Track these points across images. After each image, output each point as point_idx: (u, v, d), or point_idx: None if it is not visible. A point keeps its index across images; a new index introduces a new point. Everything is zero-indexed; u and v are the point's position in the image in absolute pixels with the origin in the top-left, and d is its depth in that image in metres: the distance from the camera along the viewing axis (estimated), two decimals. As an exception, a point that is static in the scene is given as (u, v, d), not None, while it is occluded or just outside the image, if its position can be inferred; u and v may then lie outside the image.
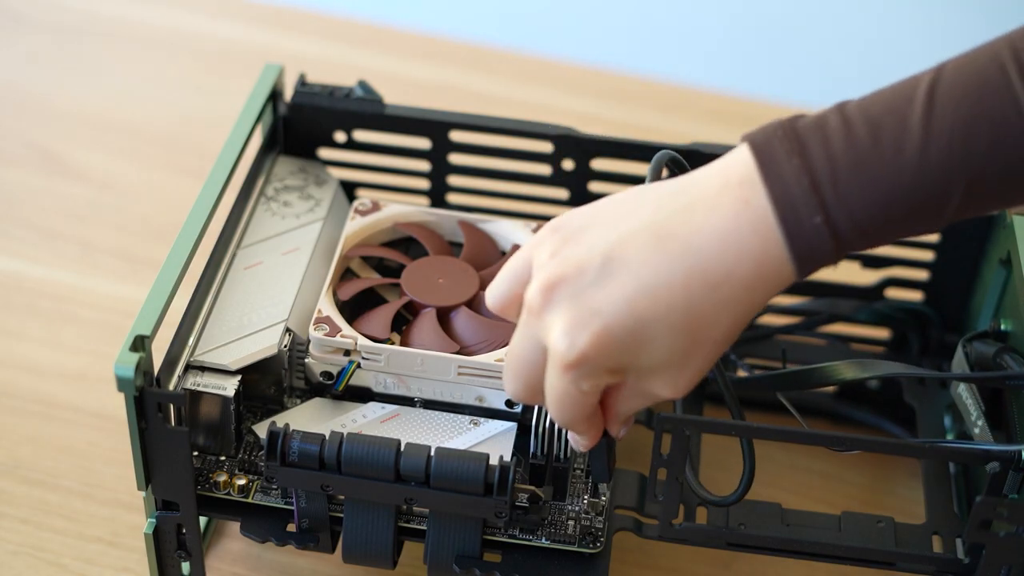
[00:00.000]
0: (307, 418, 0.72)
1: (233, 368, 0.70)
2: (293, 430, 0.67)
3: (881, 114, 0.57)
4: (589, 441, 0.65)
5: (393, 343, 0.73)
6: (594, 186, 0.83)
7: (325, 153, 0.84)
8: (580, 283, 0.59)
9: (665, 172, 0.68)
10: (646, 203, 0.60)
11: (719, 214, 0.58)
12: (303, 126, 0.83)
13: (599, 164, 0.82)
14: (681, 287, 0.58)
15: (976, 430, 0.71)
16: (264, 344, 0.72)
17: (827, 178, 0.57)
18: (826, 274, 0.83)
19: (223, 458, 0.72)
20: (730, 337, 0.59)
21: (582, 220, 0.61)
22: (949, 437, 0.80)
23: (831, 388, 0.87)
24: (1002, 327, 0.74)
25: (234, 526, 0.78)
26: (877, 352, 0.86)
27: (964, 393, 0.72)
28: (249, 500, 0.71)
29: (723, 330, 0.59)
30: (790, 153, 0.57)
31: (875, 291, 0.85)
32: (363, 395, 0.73)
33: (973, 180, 0.56)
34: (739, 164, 0.58)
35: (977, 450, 0.67)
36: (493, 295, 0.64)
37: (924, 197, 0.57)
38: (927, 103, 0.57)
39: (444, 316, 0.74)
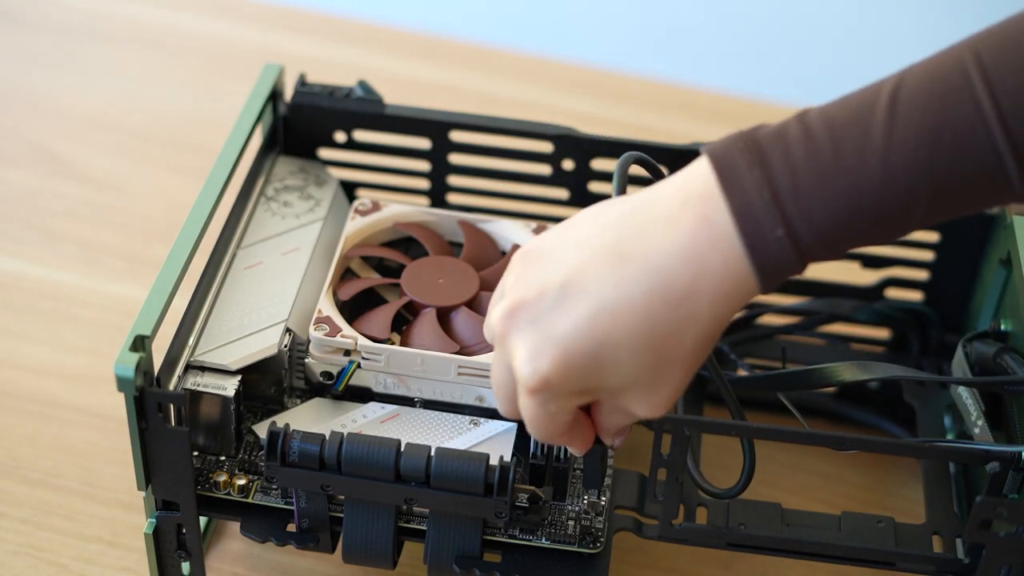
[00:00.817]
0: (307, 418, 0.72)
1: (233, 368, 0.70)
2: (293, 430, 0.67)
3: (843, 123, 0.56)
4: (577, 451, 0.65)
5: (393, 343, 0.73)
6: (594, 186, 0.83)
7: (325, 153, 0.84)
8: (540, 307, 0.58)
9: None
10: (607, 223, 0.59)
11: (679, 230, 0.57)
12: (303, 126, 0.83)
13: (599, 164, 0.82)
14: (641, 307, 0.57)
15: (976, 430, 0.71)
16: (264, 344, 0.72)
17: (788, 189, 0.55)
18: (826, 274, 0.83)
19: (223, 458, 0.72)
20: (699, 354, 0.58)
21: (545, 244, 0.60)
22: (949, 437, 0.80)
23: (831, 388, 0.87)
24: (1002, 327, 0.74)
25: (234, 526, 0.78)
26: (877, 352, 0.86)
27: (964, 393, 0.72)
28: (249, 500, 0.71)
29: (689, 348, 0.58)
30: (751, 165, 0.56)
31: (875, 291, 0.85)
32: (363, 395, 0.73)
33: (938, 187, 0.55)
34: (699, 178, 0.57)
35: (977, 450, 0.67)
36: (485, 325, 0.64)
37: (888, 206, 0.55)
38: (889, 111, 0.55)
39: (444, 316, 0.74)
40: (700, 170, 0.57)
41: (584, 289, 0.57)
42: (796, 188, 0.55)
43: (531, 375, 0.58)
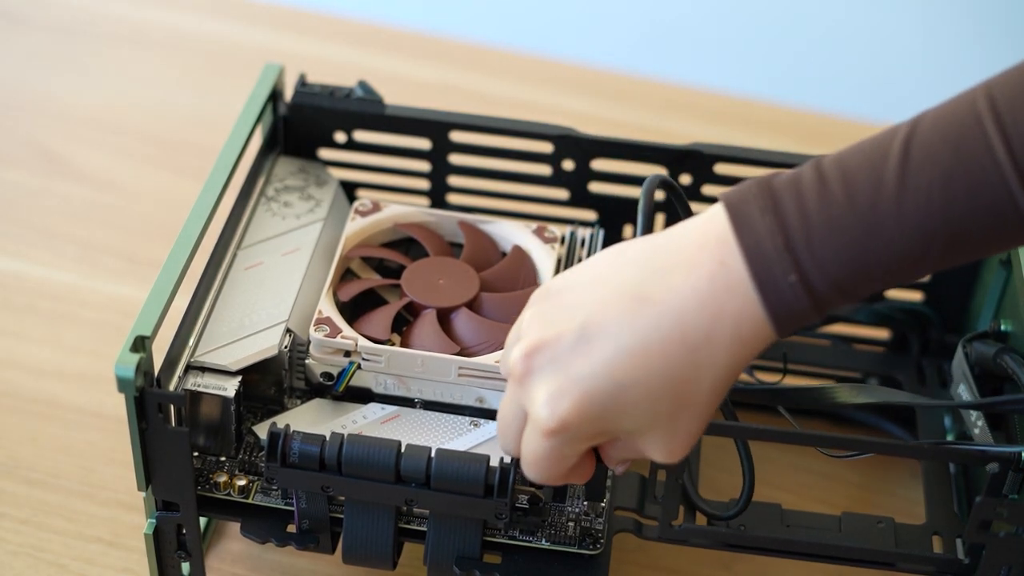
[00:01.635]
0: (307, 419, 0.72)
1: (233, 369, 0.70)
2: (294, 431, 0.67)
3: (856, 169, 0.56)
4: (578, 482, 0.65)
5: (393, 344, 0.73)
6: (594, 186, 0.83)
7: (325, 153, 0.84)
8: (559, 349, 0.58)
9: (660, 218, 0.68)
10: (626, 264, 0.59)
11: (696, 275, 0.57)
12: (303, 126, 0.83)
13: (599, 164, 0.82)
14: (659, 351, 0.56)
15: (976, 430, 0.71)
16: (264, 345, 0.72)
17: (801, 236, 0.56)
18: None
19: (223, 459, 0.72)
20: (714, 399, 0.58)
21: (564, 283, 0.60)
22: (949, 437, 0.80)
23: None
24: (1002, 327, 0.74)
25: (234, 526, 0.78)
26: (877, 352, 0.86)
27: (964, 393, 0.72)
28: (249, 501, 0.71)
29: (706, 393, 0.57)
30: (763, 211, 0.56)
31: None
32: (363, 396, 0.73)
33: (952, 234, 0.55)
34: (716, 222, 0.57)
35: (977, 450, 0.67)
36: (502, 364, 0.64)
37: (902, 253, 0.55)
38: (903, 157, 0.55)
39: (444, 317, 0.74)
40: (717, 214, 0.58)
41: (603, 331, 0.57)
42: (808, 235, 0.55)
43: (549, 417, 0.58)
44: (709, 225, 0.58)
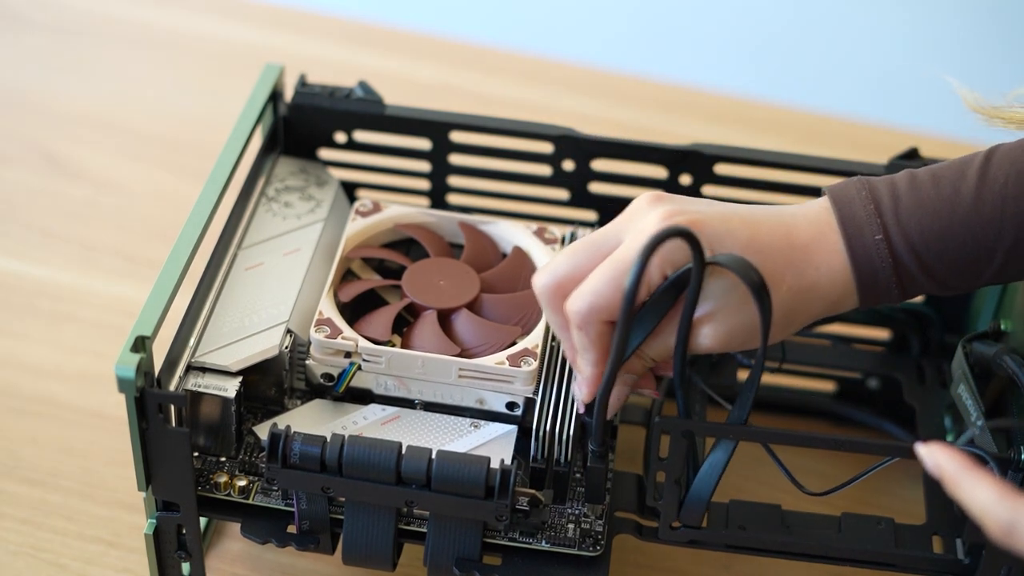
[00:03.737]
0: (308, 420, 0.72)
1: (234, 369, 0.70)
2: (294, 432, 0.67)
3: (943, 168, 0.66)
4: (588, 381, 0.67)
5: (394, 345, 0.73)
6: (594, 187, 0.83)
7: (325, 154, 0.84)
8: (683, 202, 0.66)
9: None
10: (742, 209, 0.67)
11: (801, 233, 0.66)
12: (303, 127, 0.83)
13: (599, 164, 0.82)
14: (766, 232, 0.65)
15: (976, 430, 0.71)
16: (265, 345, 0.72)
17: (890, 208, 0.65)
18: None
19: (223, 459, 0.72)
20: (778, 316, 0.64)
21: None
22: (949, 437, 0.80)
23: (831, 388, 0.87)
24: (1002, 327, 0.74)
25: (234, 526, 0.78)
26: (877, 352, 0.86)
27: (964, 393, 0.72)
28: (249, 501, 0.71)
29: (777, 301, 0.64)
30: (859, 189, 0.66)
31: (875, 292, 0.85)
32: (364, 397, 0.73)
33: (1021, 225, 0.64)
34: (820, 204, 0.67)
35: (977, 451, 0.67)
36: (557, 265, 0.67)
37: (976, 236, 0.64)
38: (984, 160, 0.65)
39: (445, 318, 0.74)
40: (821, 200, 0.67)
41: (724, 208, 0.66)
42: (896, 207, 0.65)
43: (659, 220, 0.64)
44: (812, 206, 0.67)
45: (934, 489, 0.76)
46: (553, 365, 0.73)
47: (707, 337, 0.65)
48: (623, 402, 0.70)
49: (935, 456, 0.60)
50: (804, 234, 0.66)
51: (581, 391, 0.68)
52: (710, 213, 0.65)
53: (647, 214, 0.65)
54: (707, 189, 0.81)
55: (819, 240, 0.65)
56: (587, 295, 0.64)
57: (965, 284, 0.66)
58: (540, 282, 0.67)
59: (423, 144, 0.83)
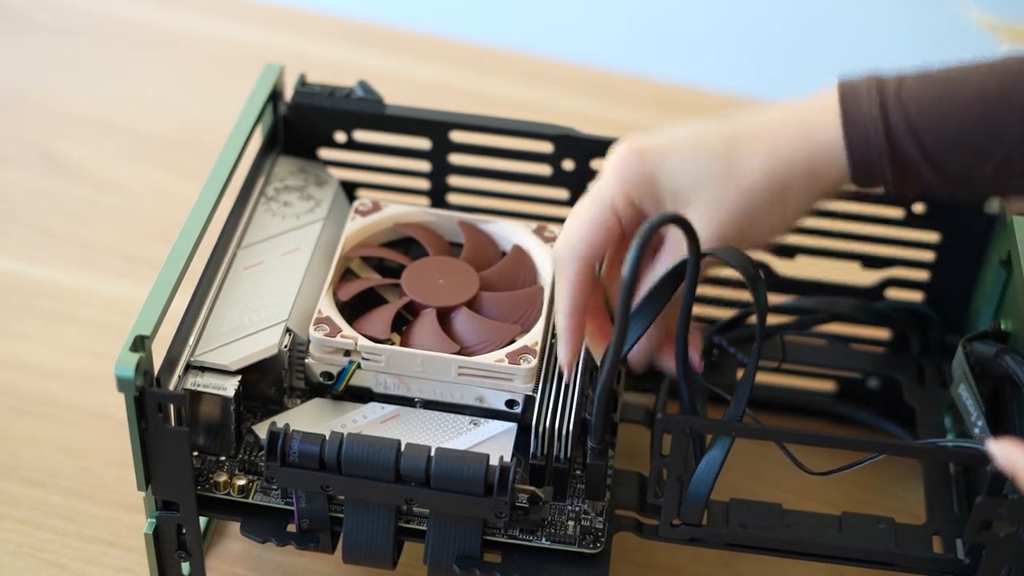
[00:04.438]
0: (307, 418, 0.72)
1: (233, 368, 0.70)
2: (293, 430, 0.67)
3: (953, 64, 0.66)
4: (564, 338, 0.68)
5: (393, 343, 0.73)
6: (594, 186, 0.83)
7: (325, 153, 0.84)
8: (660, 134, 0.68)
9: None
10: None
11: (797, 107, 0.67)
12: (303, 126, 0.83)
13: (599, 164, 0.82)
14: (729, 123, 0.67)
15: (976, 430, 0.71)
16: (264, 344, 0.72)
17: (892, 88, 0.65)
18: (827, 274, 0.83)
19: (223, 458, 0.72)
20: (758, 194, 0.66)
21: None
22: (949, 437, 0.80)
23: (831, 388, 0.87)
24: (1002, 327, 0.74)
25: (234, 526, 0.78)
26: (877, 352, 0.86)
27: (964, 393, 0.72)
28: (249, 500, 0.71)
29: (756, 175, 0.65)
30: (866, 74, 0.67)
31: (875, 291, 0.85)
32: (363, 395, 0.73)
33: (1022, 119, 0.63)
34: (825, 91, 0.68)
35: (977, 451, 0.67)
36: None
37: (976, 120, 0.64)
38: (991, 60, 0.65)
39: (444, 316, 0.74)
40: (827, 88, 0.68)
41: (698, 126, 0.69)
42: (899, 88, 0.65)
43: (632, 141, 0.66)
44: (817, 93, 0.68)
45: (934, 489, 0.76)
46: (552, 362, 0.73)
47: (700, 222, 0.66)
48: (648, 358, 0.71)
49: (1008, 453, 0.59)
50: (804, 111, 0.67)
51: (560, 355, 0.69)
52: (683, 131, 0.68)
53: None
54: (707, 188, 0.81)
55: (817, 114, 0.66)
56: (561, 237, 0.68)
57: (964, 176, 0.66)
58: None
59: (423, 144, 0.83)
